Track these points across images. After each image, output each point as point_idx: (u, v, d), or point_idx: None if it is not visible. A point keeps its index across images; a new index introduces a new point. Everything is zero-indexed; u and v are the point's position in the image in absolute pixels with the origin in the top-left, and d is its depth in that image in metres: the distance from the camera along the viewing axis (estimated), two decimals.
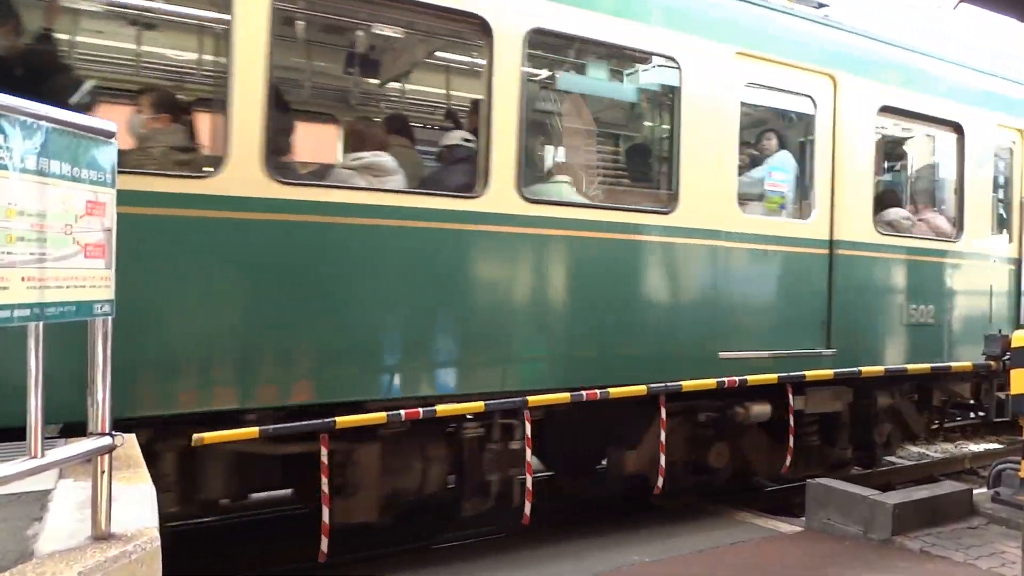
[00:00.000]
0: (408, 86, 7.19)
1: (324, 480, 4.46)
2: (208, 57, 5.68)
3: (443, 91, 7.14)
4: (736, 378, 5.86)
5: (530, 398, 4.98)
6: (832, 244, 6.57)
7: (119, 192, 2.30)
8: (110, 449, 2.27)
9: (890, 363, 6.98)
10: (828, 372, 6.46)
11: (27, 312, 1.97)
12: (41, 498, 2.66)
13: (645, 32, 5.63)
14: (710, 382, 5.75)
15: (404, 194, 4.77)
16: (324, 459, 4.44)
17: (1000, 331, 6.80)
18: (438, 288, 4.77)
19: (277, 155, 4.54)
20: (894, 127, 8.00)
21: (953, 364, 7.42)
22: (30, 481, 2.32)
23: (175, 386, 4.06)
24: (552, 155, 6.22)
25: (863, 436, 7.27)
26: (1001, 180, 8.56)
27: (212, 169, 4.19)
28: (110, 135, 2.28)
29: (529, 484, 5.11)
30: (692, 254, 5.80)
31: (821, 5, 7.11)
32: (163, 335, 4.04)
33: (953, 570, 4.69)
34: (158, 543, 2.25)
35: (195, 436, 3.98)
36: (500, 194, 4.92)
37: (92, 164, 2.20)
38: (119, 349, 2.33)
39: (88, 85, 5.02)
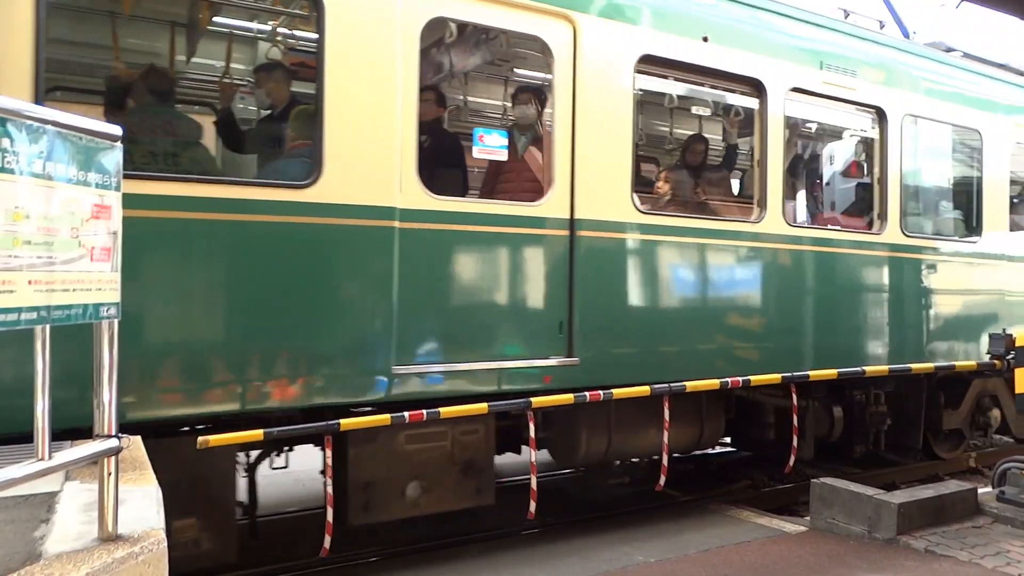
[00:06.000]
0: None
1: (328, 481, 4.48)
2: None
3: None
4: (740, 378, 5.87)
5: (533, 399, 5.00)
6: (573, 224, 5.29)
7: None
8: (116, 451, 2.28)
9: (674, 377, 5.66)
10: (832, 372, 6.46)
11: (34, 315, 1.98)
12: (48, 500, 2.67)
13: None
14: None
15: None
16: (328, 461, 4.45)
17: (1004, 330, 6.79)
18: None
19: None
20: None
21: (957, 363, 7.40)
22: (37, 483, 2.33)
23: None
24: None
25: None
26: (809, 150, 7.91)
27: None
28: (115, 138, 2.29)
29: (534, 484, 5.13)
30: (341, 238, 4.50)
31: None
32: None
33: (958, 569, 4.69)
34: (165, 544, 2.26)
35: (200, 439, 3.99)
36: None
37: (98, 168, 2.21)
38: None
39: None
